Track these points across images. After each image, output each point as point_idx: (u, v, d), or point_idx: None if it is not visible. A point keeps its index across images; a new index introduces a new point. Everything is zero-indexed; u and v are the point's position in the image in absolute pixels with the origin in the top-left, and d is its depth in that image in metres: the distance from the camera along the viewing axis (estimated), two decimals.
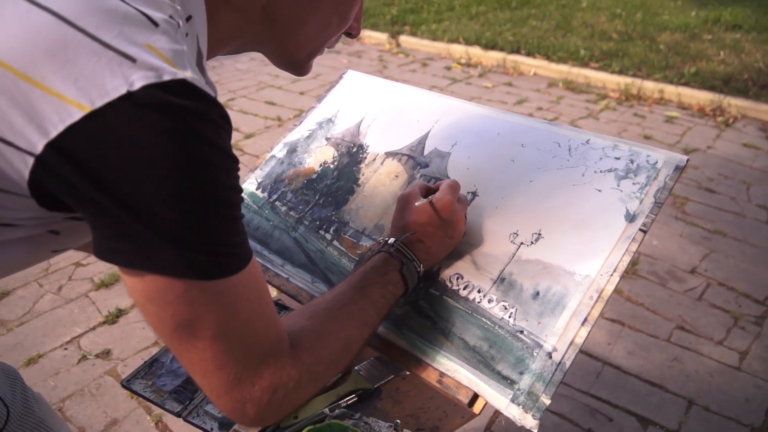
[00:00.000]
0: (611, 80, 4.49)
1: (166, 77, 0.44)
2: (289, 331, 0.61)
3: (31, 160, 0.44)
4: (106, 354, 1.96)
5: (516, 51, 5.12)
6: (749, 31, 5.45)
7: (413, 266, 0.77)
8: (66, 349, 1.99)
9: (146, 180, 0.44)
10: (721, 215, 2.83)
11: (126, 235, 0.46)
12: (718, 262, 2.49)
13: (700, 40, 5.24)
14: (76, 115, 0.42)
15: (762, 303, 2.25)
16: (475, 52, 5.18)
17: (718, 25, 5.63)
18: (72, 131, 0.42)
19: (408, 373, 0.83)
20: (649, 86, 4.31)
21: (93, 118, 0.42)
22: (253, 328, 0.55)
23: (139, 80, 0.43)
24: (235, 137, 3.56)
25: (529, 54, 5.05)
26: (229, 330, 0.52)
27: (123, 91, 0.42)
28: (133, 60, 0.43)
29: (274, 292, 1.06)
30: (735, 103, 4.02)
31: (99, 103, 0.42)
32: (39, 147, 0.43)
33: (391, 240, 0.78)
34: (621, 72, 4.58)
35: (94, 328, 2.08)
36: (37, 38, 0.43)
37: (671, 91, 4.25)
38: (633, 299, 2.28)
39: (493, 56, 5.10)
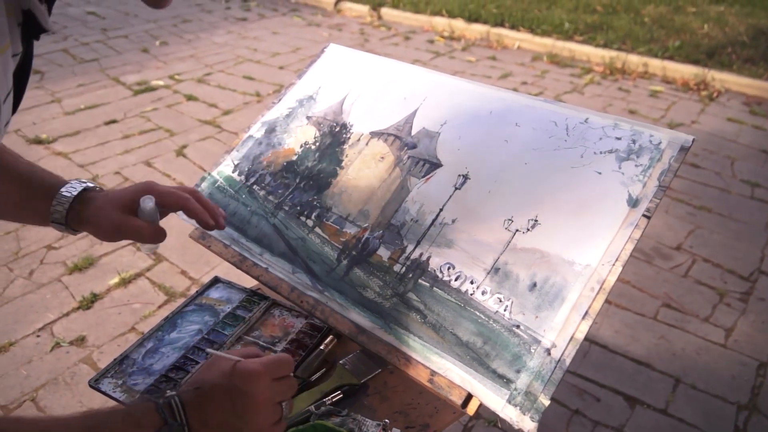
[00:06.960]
0: (596, 54, 4.44)
1: None
2: None
3: None
4: (80, 341, 1.89)
5: (500, 24, 5.03)
6: (732, 3, 5.43)
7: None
8: (38, 336, 1.91)
9: None
10: (706, 191, 2.82)
11: None
12: (704, 238, 2.48)
13: (685, 12, 5.20)
14: None
15: (747, 279, 2.25)
16: (459, 24, 5.08)
17: None
18: None
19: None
20: (634, 60, 4.26)
21: None
22: None
23: None
24: (213, 114, 3.45)
25: (513, 27, 4.96)
26: None
27: None
28: None
29: (253, 283, 1.00)
30: (719, 77, 4.00)
31: None
32: None
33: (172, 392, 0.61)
34: (606, 45, 4.53)
35: (67, 314, 2.00)
36: None
37: (656, 64, 4.21)
38: (619, 277, 2.24)
39: (477, 29, 5.00)
